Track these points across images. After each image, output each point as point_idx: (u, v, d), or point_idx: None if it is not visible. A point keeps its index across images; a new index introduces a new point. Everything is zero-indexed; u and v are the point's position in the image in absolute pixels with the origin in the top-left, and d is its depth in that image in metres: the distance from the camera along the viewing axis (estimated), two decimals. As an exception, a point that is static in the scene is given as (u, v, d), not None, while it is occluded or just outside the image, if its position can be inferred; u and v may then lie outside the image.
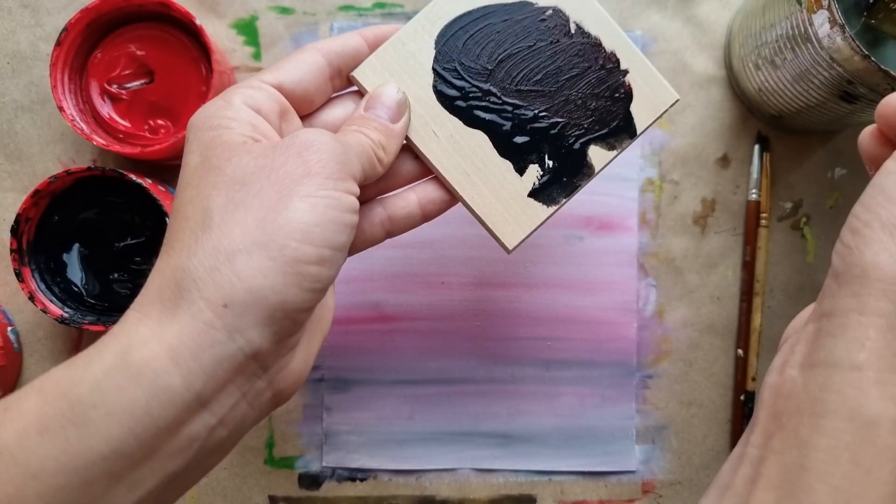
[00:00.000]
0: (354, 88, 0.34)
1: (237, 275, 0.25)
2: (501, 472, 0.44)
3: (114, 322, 0.39)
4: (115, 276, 0.41)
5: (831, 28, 0.34)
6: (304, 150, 0.27)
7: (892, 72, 0.34)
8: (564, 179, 0.34)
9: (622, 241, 0.44)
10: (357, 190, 0.28)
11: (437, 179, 0.34)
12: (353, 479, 0.44)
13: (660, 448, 0.44)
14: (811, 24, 0.35)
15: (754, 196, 0.44)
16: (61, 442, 0.23)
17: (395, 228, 0.33)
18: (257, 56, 0.44)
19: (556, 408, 0.44)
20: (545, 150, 0.34)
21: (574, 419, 0.44)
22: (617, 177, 0.44)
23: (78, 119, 0.40)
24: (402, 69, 0.33)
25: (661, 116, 0.35)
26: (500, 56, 0.34)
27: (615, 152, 0.34)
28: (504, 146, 0.34)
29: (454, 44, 0.34)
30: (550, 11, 0.34)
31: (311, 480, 0.44)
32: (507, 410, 0.44)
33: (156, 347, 0.24)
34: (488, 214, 0.34)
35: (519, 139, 0.34)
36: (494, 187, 0.34)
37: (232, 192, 0.26)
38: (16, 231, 0.39)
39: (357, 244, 0.33)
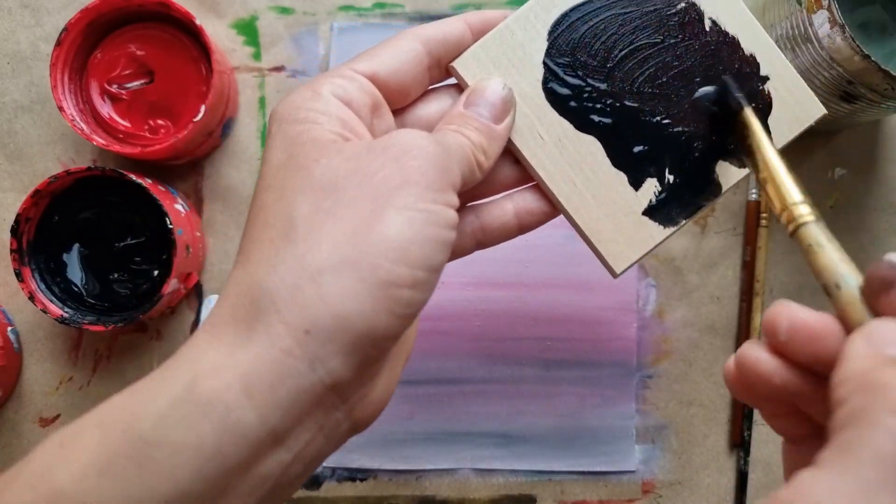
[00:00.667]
0: (453, 81, 0.30)
1: (322, 297, 0.22)
2: (501, 472, 0.44)
3: (114, 322, 0.39)
4: (115, 276, 0.41)
5: (831, 28, 0.34)
6: (402, 155, 0.24)
7: (891, 72, 0.34)
8: (686, 198, 0.30)
9: (622, 241, 0.44)
10: (457, 202, 0.25)
11: (538, 188, 0.30)
12: (352, 479, 0.44)
13: (660, 448, 0.44)
14: (811, 24, 0.36)
15: (754, 196, 0.44)
16: (122, 484, 0.20)
17: (487, 239, 0.30)
18: (257, 56, 0.44)
19: (556, 408, 0.44)
20: (666, 162, 0.30)
21: (574, 419, 0.44)
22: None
23: (78, 119, 0.40)
24: (510, 62, 0.29)
25: (804, 131, 0.30)
26: (622, 52, 0.30)
27: (746, 170, 0.30)
28: (619, 155, 0.30)
29: (570, 35, 0.30)
30: (683, 4, 0.30)
31: (310, 480, 0.44)
32: (507, 410, 0.44)
33: (228, 377, 0.21)
34: (595, 232, 0.30)
35: (637, 148, 0.30)
36: (604, 201, 0.30)
37: (320, 198, 0.23)
38: (16, 231, 0.39)
39: None
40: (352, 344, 0.22)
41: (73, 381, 0.43)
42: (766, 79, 0.30)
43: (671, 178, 0.30)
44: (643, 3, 0.30)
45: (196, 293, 0.44)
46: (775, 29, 0.38)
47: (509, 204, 0.30)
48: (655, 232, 0.30)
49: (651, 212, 0.30)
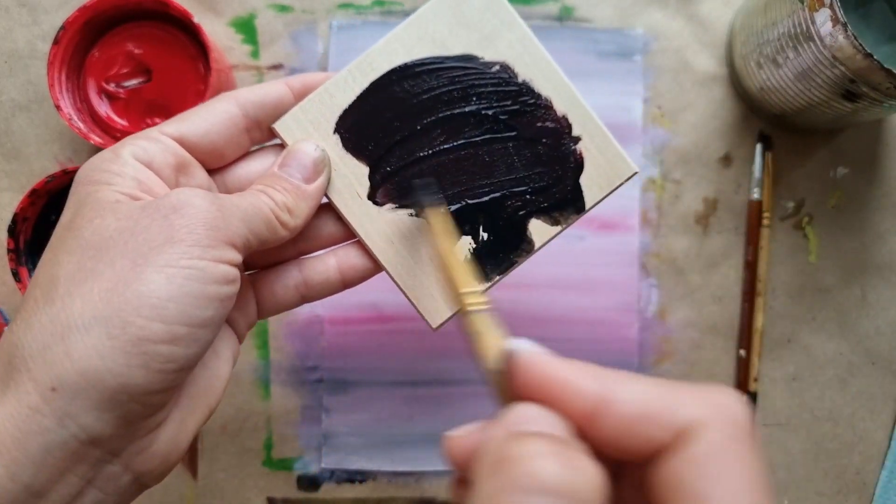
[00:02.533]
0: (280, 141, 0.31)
1: (69, 354, 0.22)
2: (502, 473, 0.43)
3: None
4: None
5: (833, 26, 0.34)
6: (171, 213, 0.24)
7: (894, 70, 0.34)
8: (500, 255, 0.31)
9: (623, 241, 0.44)
10: (237, 258, 0.26)
11: (361, 244, 0.31)
12: (352, 481, 0.43)
13: (661, 449, 0.44)
14: (813, 22, 0.35)
15: (756, 195, 0.44)
16: None
17: (311, 293, 0.31)
18: (255, 54, 0.44)
19: (557, 409, 0.43)
20: (480, 220, 0.31)
21: (575, 420, 0.43)
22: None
23: (75, 118, 0.40)
24: (328, 123, 0.31)
25: (615, 190, 0.31)
26: (436, 117, 0.31)
27: (559, 228, 0.31)
28: None
29: (382, 100, 0.31)
30: (497, 67, 0.31)
31: (309, 482, 0.43)
32: (507, 411, 0.43)
33: None
34: (412, 288, 0.31)
35: (451, 207, 0.31)
36: (421, 258, 0.31)
37: (85, 258, 0.24)
38: (13, 231, 0.39)
39: (268, 308, 0.31)
40: (105, 400, 0.22)
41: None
42: (577, 139, 0.31)
43: (485, 235, 0.31)
44: (458, 67, 0.31)
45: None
46: (777, 27, 0.38)
47: (332, 259, 0.31)
48: None
49: None
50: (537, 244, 0.31)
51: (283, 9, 0.44)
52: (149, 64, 0.41)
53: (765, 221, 0.44)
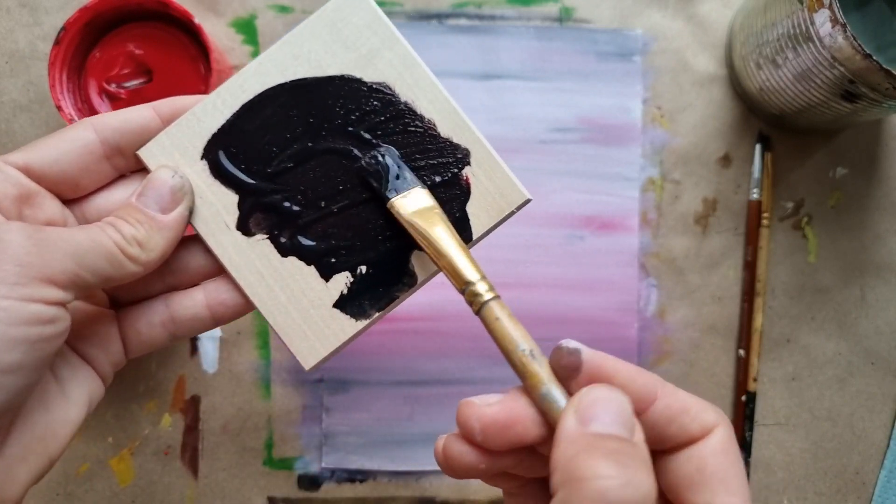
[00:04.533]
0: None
1: None
2: (502, 473, 0.44)
3: None
4: None
5: (832, 27, 0.34)
6: None
7: (893, 71, 0.34)
8: (380, 289, 0.29)
9: (623, 241, 0.44)
10: (57, 296, 0.24)
11: (231, 278, 0.29)
12: (352, 481, 0.44)
13: (661, 449, 0.44)
14: (812, 23, 0.35)
15: (755, 196, 0.44)
16: None
17: (179, 330, 0.29)
18: (256, 55, 0.44)
19: (557, 408, 0.44)
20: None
21: (574, 420, 0.43)
22: (618, 176, 0.44)
23: (76, 118, 0.40)
24: (195, 149, 0.29)
25: (506, 219, 0.29)
26: (312, 146, 0.29)
27: None
28: None
29: (254, 124, 0.29)
30: (376, 87, 0.29)
31: (310, 481, 0.43)
32: (507, 411, 0.43)
33: None
34: (284, 326, 0.28)
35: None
36: (294, 294, 0.29)
37: None
38: None
39: (135, 346, 0.29)
40: None
41: (72, 381, 0.43)
42: (464, 164, 0.29)
43: (363, 269, 0.29)
44: (336, 89, 0.29)
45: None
46: (776, 28, 0.38)
47: (200, 294, 0.29)
48: (347, 325, 0.29)
49: (342, 304, 0.29)
50: (420, 278, 0.29)
51: (284, 9, 0.44)
52: (150, 64, 0.41)
53: (764, 222, 0.44)
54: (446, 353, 0.44)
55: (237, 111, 0.29)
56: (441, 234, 0.27)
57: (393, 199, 0.28)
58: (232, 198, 0.29)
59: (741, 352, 0.44)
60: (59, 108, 0.39)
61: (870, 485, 0.44)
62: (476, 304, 0.25)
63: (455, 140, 0.29)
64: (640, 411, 0.23)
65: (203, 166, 0.29)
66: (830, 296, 0.44)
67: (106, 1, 0.39)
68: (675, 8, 0.45)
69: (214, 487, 0.43)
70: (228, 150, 0.29)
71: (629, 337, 0.44)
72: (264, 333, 0.44)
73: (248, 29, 0.44)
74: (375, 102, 0.29)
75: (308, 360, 0.29)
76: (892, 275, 0.44)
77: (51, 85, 0.40)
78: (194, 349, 0.44)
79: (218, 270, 0.29)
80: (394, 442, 0.43)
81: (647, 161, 0.44)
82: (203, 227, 0.29)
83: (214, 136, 0.29)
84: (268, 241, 0.29)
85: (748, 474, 0.43)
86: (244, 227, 0.29)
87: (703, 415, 0.23)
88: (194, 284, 0.30)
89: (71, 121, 0.40)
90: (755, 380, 0.43)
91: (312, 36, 0.29)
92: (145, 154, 0.29)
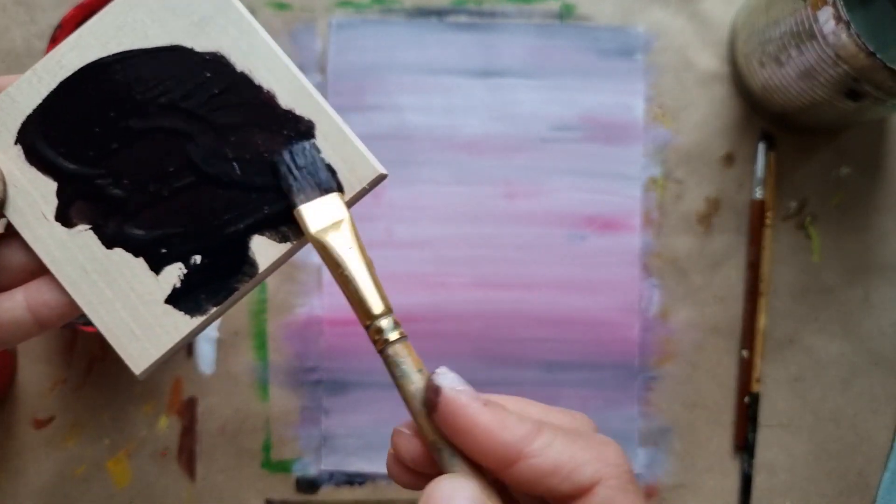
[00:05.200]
0: None
1: None
2: (502, 475, 0.43)
3: None
4: None
5: (836, 25, 0.35)
6: None
7: (898, 69, 0.34)
8: (217, 281, 0.26)
9: (625, 241, 0.44)
10: None
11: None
12: (351, 483, 0.43)
13: (663, 451, 0.44)
14: (815, 20, 0.36)
15: (759, 195, 0.44)
16: None
17: (1, 338, 0.26)
18: (254, 53, 0.44)
19: (558, 410, 0.43)
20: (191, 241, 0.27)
21: (576, 421, 0.43)
22: (620, 175, 0.44)
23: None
24: (10, 133, 0.26)
25: (361, 197, 0.27)
26: (138, 125, 0.27)
27: (289, 245, 0.26)
28: None
29: (74, 103, 0.26)
30: (208, 58, 0.26)
31: (308, 484, 0.43)
32: (507, 412, 0.43)
33: None
34: (111, 327, 0.26)
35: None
36: (121, 289, 0.26)
37: None
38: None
39: None
40: None
41: (68, 382, 0.43)
42: (308, 137, 0.26)
43: (197, 259, 0.26)
44: (165, 60, 0.26)
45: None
46: (780, 25, 0.38)
47: (20, 295, 0.26)
48: (181, 323, 0.26)
49: (175, 299, 0.26)
50: (262, 266, 0.26)
51: (282, 6, 0.44)
52: (146, 62, 0.41)
53: (767, 221, 0.44)
54: (447, 353, 0.43)
55: (55, 89, 0.26)
56: (350, 257, 0.25)
57: (300, 207, 0.25)
58: (50, 185, 0.26)
59: (744, 352, 0.44)
60: None
61: (873, 486, 0.44)
62: (379, 344, 0.24)
63: (298, 112, 0.26)
64: (501, 469, 0.21)
65: (17, 151, 0.26)
66: (834, 296, 0.44)
67: (102, -2, 0.39)
68: (677, 5, 0.45)
69: (212, 490, 0.43)
70: (45, 132, 0.26)
71: (631, 338, 0.44)
72: (262, 334, 0.44)
73: (245, 27, 0.44)
74: (208, 74, 0.26)
75: (138, 364, 0.26)
76: (896, 275, 0.44)
77: None
78: (191, 350, 0.43)
79: (42, 268, 0.26)
80: (393, 444, 0.43)
81: (649, 160, 0.44)
82: (18, 220, 0.26)
83: (29, 117, 0.26)
84: (91, 232, 0.26)
85: (751, 476, 0.43)
86: (64, 217, 0.26)
87: (576, 474, 0.21)
88: (18, 285, 0.27)
89: None
90: (758, 381, 0.43)
91: (137, 4, 0.26)
92: None
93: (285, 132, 0.26)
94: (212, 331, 0.43)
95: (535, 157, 0.44)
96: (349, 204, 0.26)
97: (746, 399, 0.43)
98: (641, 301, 0.44)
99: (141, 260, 0.26)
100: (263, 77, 0.26)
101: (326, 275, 0.43)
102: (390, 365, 0.23)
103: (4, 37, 0.44)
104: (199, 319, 0.26)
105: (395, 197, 0.44)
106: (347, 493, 0.43)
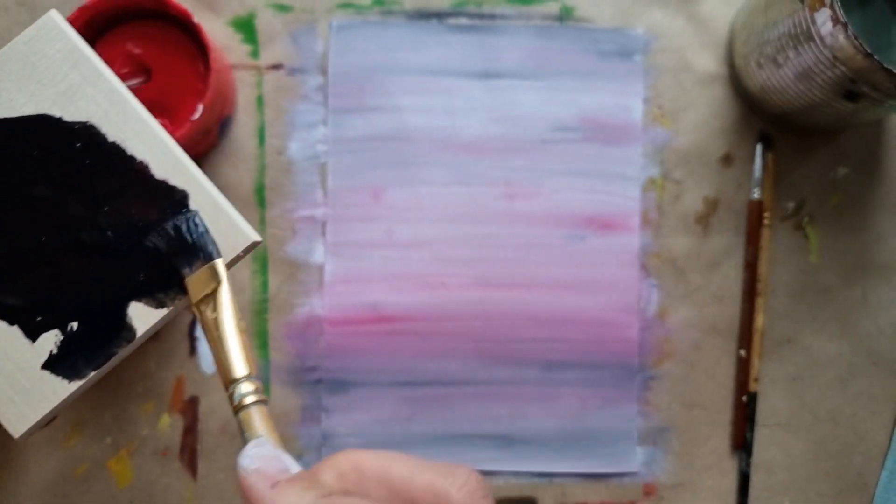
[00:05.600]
0: None
1: None
2: (502, 473, 0.44)
3: None
4: None
5: (833, 26, 0.35)
6: None
7: (895, 70, 0.34)
8: (94, 346, 0.26)
9: (624, 241, 0.44)
10: None
11: None
12: (351, 482, 0.44)
13: (662, 450, 0.44)
14: (813, 22, 0.36)
15: (757, 195, 0.44)
16: None
17: None
18: (255, 54, 0.44)
19: (557, 409, 0.44)
20: (67, 308, 0.27)
21: (575, 421, 0.44)
22: (619, 175, 0.44)
23: (74, 117, 0.40)
24: None
25: (236, 262, 0.27)
26: (8, 198, 0.26)
27: (166, 310, 0.27)
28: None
29: None
30: (78, 127, 0.27)
31: (309, 482, 0.44)
32: (507, 412, 0.44)
33: None
34: None
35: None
36: None
37: None
38: None
39: None
40: None
41: (70, 382, 0.43)
42: (182, 207, 0.27)
43: (74, 325, 0.26)
44: (29, 131, 0.26)
45: (193, 293, 0.44)
46: (777, 27, 0.38)
47: None
48: (59, 387, 0.26)
49: (52, 365, 0.26)
50: (140, 331, 0.27)
51: (283, 8, 0.44)
52: (148, 63, 0.41)
53: (765, 221, 0.44)
54: (446, 353, 0.44)
55: None
56: (223, 322, 0.26)
57: (188, 277, 0.26)
58: None
59: (742, 352, 0.44)
60: None
61: (872, 486, 0.44)
62: (233, 407, 0.24)
63: (172, 182, 0.27)
64: None
65: None
66: (832, 296, 0.44)
67: (104, 0, 0.39)
68: (676, 7, 0.45)
69: (213, 488, 0.43)
70: None
71: (630, 337, 0.44)
72: (263, 334, 0.44)
73: (246, 28, 0.44)
74: (78, 144, 0.26)
75: (17, 428, 0.26)
76: (894, 275, 0.45)
77: None
78: (193, 349, 0.44)
79: None
80: (394, 443, 0.43)
81: (647, 160, 0.44)
82: None
83: None
84: None
85: (749, 476, 0.43)
86: None
87: None
88: None
89: None
90: (756, 380, 0.44)
91: (3, 72, 0.26)
92: None
93: (160, 202, 0.26)
94: (213, 330, 0.44)
95: (534, 157, 0.44)
96: (227, 268, 0.27)
97: (744, 398, 0.43)
98: (640, 301, 0.44)
99: (16, 327, 0.26)
100: (136, 147, 0.27)
101: (327, 275, 0.44)
102: (240, 427, 0.24)
103: (6, 38, 0.43)
104: (77, 384, 0.26)
105: (395, 197, 0.44)
106: (348, 491, 0.44)
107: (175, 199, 0.27)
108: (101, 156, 0.27)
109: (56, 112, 0.27)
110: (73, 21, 0.39)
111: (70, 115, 0.26)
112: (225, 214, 0.27)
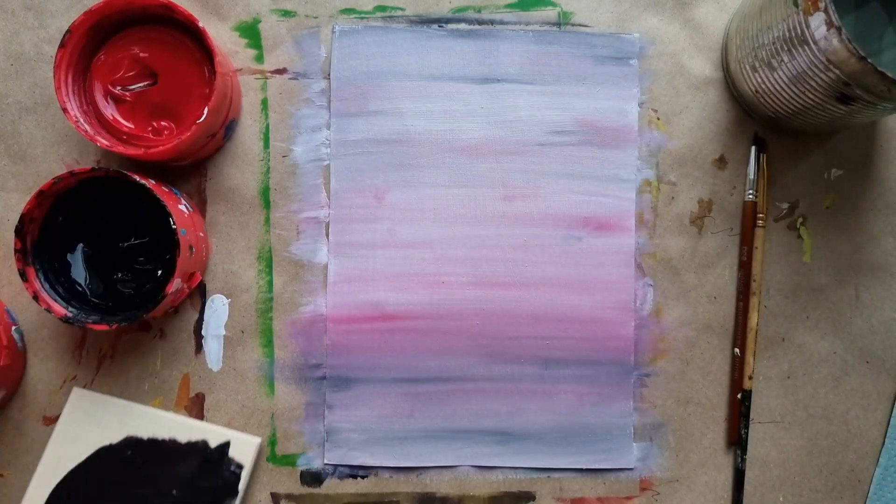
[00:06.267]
0: None
1: None
2: (501, 469, 0.44)
3: (117, 321, 0.40)
4: (119, 275, 0.42)
5: (828, 30, 0.34)
6: None
7: (888, 73, 0.34)
8: None
9: (620, 242, 0.44)
10: None
11: None
12: (354, 477, 0.44)
13: (657, 446, 0.44)
14: (808, 26, 0.35)
15: (751, 197, 0.44)
16: None
17: None
18: (260, 59, 0.45)
19: (555, 406, 0.44)
20: None
21: (572, 417, 0.44)
22: (614, 178, 0.44)
23: (82, 120, 0.41)
24: None
25: None
26: None
27: None
28: None
29: None
30: None
31: (312, 478, 0.44)
32: (506, 408, 0.44)
33: None
34: None
35: None
36: None
37: None
38: (20, 231, 0.39)
39: None
40: None
41: (77, 380, 0.44)
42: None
43: None
44: None
45: (200, 293, 0.44)
46: (772, 31, 0.38)
47: None
48: None
49: None
50: None
51: (287, 13, 0.45)
52: (154, 67, 0.42)
53: (759, 222, 0.44)
54: (447, 350, 0.44)
55: None
56: None
57: None
58: None
59: (737, 350, 0.44)
60: (64, 110, 0.40)
61: (865, 482, 0.44)
62: None
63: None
64: None
65: None
66: (825, 295, 0.45)
67: (111, 4, 0.40)
68: (671, 12, 0.45)
69: (218, 484, 0.44)
70: None
71: (626, 335, 0.44)
72: (268, 332, 0.44)
73: (251, 33, 0.45)
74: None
75: None
76: (886, 274, 0.45)
77: (56, 87, 0.40)
78: (199, 348, 0.44)
79: None
80: (395, 438, 0.44)
81: (643, 163, 0.45)
82: None
83: None
84: None
85: (744, 471, 0.44)
86: None
87: None
88: None
89: (76, 123, 0.40)
90: (751, 378, 0.44)
91: None
92: None
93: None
94: (219, 329, 0.44)
95: (532, 160, 0.44)
96: None
97: (739, 396, 0.44)
98: (636, 300, 0.44)
99: None
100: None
101: (331, 275, 0.44)
102: None
103: (14, 41, 0.44)
104: None
105: (397, 199, 0.44)
106: (351, 486, 0.44)
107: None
108: None
109: None
110: (79, 25, 0.40)
111: None
112: None
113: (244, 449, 0.42)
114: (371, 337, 0.44)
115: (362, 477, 0.44)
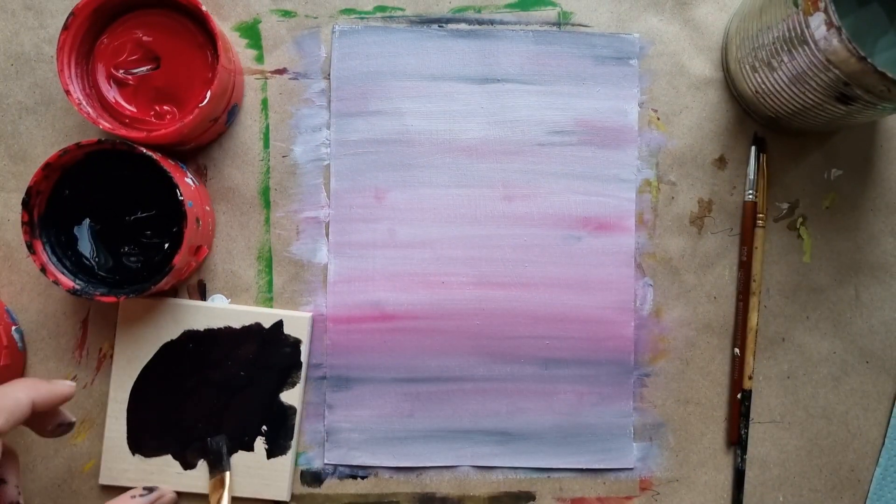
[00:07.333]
0: None
1: None
2: (501, 469, 0.44)
3: (125, 293, 0.39)
4: (126, 249, 0.41)
5: (828, 30, 0.34)
6: None
7: (888, 73, 0.34)
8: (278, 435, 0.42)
9: (620, 242, 0.44)
10: None
11: None
12: (354, 477, 0.44)
13: (657, 446, 0.44)
14: (808, 26, 0.35)
15: (751, 197, 0.44)
16: None
17: None
18: (260, 59, 0.45)
19: (555, 406, 0.44)
20: None
21: (572, 417, 0.44)
22: (614, 178, 0.44)
23: (84, 103, 0.40)
24: None
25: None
26: None
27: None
28: None
29: None
30: None
31: (312, 477, 0.44)
32: (506, 408, 0.44)
33: None
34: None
35: None
36: None
37: None
38: (27, 204, 0.39)
39: None
40: None
41: (77, 379, 0.44)
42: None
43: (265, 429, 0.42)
44: None
45: (200, 293, 0.44)
46: (772, 31, 0.38)
47: None
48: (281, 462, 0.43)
49: (271, 453, 0.43)
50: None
51: (287, 14, 0.45)
52: (157, 51, 0.41)
53: (759, 222, 0.44)
54: (446, 350, 0.44)
55: None
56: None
57: (210, 480, 0.43)
58: None
59: (736, 350, 0.44)
60: (67, 92, 0.40)
61: (865, 482, 0.44)
62: None
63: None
64: None
65: None
66: (825, 295, 0.45)
67: (114, -14, 0.40)
68: (671, 12, 0.45)
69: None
70: None
71: (626, 335, 0.44)
72: (267, 332, 0.44)
73: (251, 33, 0.45)
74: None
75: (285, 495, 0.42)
76: (886, 274, 0.45)
77: (59, 69, 0.40)
78: (198, 348, 0.44)
79: None
80: (395, 438, 0.44)
81: (643, 163, 0.45)
82: None
83: None
84: None
85: (744, 471, 0.44)
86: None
87: None
88: None
89: (79, 105, 0.40)
90: (750, 378, 0.44)
91: None
92: None
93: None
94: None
95: (532, 160, 0.44)
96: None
97: (739, 396, 0.44)
98: (636, 300, 0.44)
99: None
100: None
101: (331, 275, 0.44)
102: None
103: (14, 41, 0.44)
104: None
105: (397, 199, 0.44)
106: (351, 486, 0.44)
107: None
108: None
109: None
110: (83, 8, 0.39)
111: None
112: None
113: (298, 324, 0.43)
114: (371, 337, 0.44)
115: (362, 477, 0.44)
